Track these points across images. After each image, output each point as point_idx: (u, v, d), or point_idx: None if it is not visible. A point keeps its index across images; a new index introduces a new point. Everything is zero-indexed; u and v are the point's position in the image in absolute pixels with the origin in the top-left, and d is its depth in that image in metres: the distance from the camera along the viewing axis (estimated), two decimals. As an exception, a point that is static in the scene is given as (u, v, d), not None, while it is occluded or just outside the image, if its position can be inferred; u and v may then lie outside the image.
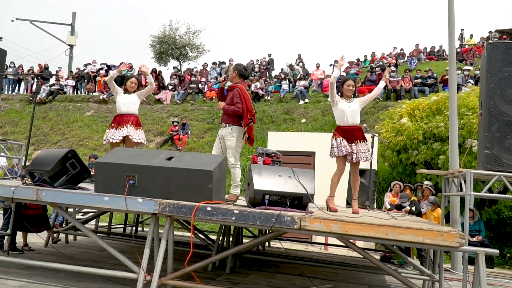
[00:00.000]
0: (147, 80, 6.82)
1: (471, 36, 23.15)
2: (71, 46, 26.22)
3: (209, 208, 3.90)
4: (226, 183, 4.92)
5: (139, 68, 7.12)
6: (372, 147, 6.71)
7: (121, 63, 7.22)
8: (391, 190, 9.38)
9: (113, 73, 6.80)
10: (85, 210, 7.56)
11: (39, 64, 21.83)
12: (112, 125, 6.65)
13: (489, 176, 4.63)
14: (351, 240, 4.37)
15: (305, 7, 71.08)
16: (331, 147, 5.45)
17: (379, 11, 65.97)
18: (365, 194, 8.06)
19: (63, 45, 26.23)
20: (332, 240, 8.61)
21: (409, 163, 9.89)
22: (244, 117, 5.14)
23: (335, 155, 5.37)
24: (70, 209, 6.93)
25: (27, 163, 6.66)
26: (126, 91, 6.82)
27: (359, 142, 5.36)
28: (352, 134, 5.38)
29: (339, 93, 5.61)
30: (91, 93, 20.04)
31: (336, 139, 5.41)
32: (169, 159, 4.36)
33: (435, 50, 22.95)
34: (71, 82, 20.87)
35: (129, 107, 6.68)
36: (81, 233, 7.05)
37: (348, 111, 5.40)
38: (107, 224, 8.62)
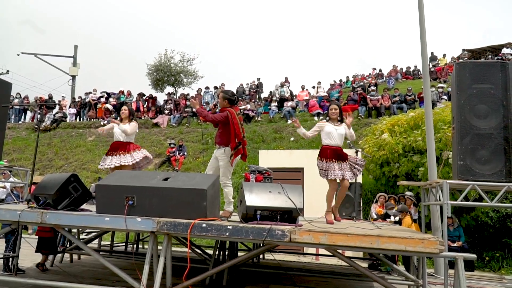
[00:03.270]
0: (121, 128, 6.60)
1: (444, 55, 23.55)
2: (74, 77, 26.23)
3: (204, 225, 3.88)
4: (220, 200, 4.90)
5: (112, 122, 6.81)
6: (356, 162, 6.75)
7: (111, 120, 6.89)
8: (376, 201, 9.38)
9: (106, 128, 6.74)
10: (88, 230, 7.47)
11: (41, 97, 21.83)
12: (109, 152, 6.57)
13: (463, 185, 4.67)
14: (340, 250, 4.36)
15: (290, 34, 72.09)
16: (321, 169, 5.46)
17: (359, 36, 67.09)
18: (351, 206, 8.06)
19: (66, 76, 26.26)
20: (323, 250, 8.56)
21: (392, 175, 9.93)
22: (232, 140, 5.14)
23: (327, 178, 5.40)
24: (74, 230, 6.84)
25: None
26: (121, 118, 6.79)
27: (345, 161, 5.44)
28: (340, 153, 5.46)
29: (327, 117, 5.72)
30: (92, 120, 19.99)
31: (324, 161, 5.42)
32: (166, 179, 4.35)
33: (411, 70, 23.30)
34: (74, 110, 20.82)
35: (117, 135, 6.63)
36: (84, 252, 6.95)
37: (335, 132, 5.52)
38: (109, 242, 8.51)
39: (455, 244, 8.34)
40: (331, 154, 5.44)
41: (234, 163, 5.17)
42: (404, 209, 8.10)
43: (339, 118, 5.67)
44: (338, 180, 5.50)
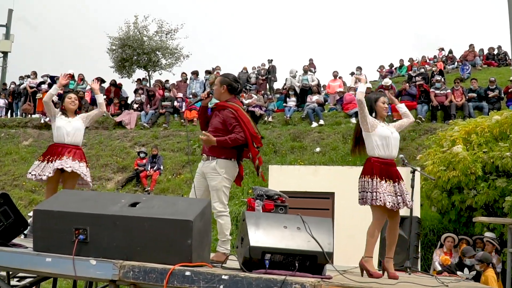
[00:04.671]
0: (97, 100, 6.93)
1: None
2: (5, 54, 26.44)
3: (188, 273, 3.89)
4: (212, 237, 4.92)
5: (90, 83, 7.22)
6: (412, 187, 6.75)
7: (61, 74, 7.31)
8: (441, 246, 9.33)
9: (52, 89, 6.86)
10: (21, 274, 7.51)
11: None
12: (48, 157, 6.65)
13: None
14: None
15: (319, -4, 72.29)
16: (363, 191, 5.48)
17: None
18: (404, 251, 8.02)
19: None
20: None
21: (465, 207, 9.87)
22: (250, 146, 5.17)
23: (371, 203, 5.39)
24: (3, 272, 6.88)
25: None
26: (64, 112, 6.87)
27: (400, 182, 5.45)
28: (394, 169, 5.46)
29: (372, 114, 5.69)
30: (29, 115, 20.12)
31: (372, 180, 5.43)
32: (133, 205, 4.38)
33: (495, 52, 23.26)
34: (3, 102, 20.97)
35: (74, 137, 6.74)
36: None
37: (392, 138, 5.52)
38: (48, 295, 8.54)
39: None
40: (381, 170, 5.48)
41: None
42: (486, 259, 8.02)
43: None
44: (393, 208, 5.50)
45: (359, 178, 5.57)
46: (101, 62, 59.18)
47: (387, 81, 17.63)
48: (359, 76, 5.89)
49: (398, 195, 5.44)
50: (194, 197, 5.34)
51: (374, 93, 6.38)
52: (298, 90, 18.71)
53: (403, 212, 7.76)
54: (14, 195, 14.55)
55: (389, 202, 5.33)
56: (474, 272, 8.37)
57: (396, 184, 5.47)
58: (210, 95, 5.55)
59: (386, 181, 5.42)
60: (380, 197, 5.32)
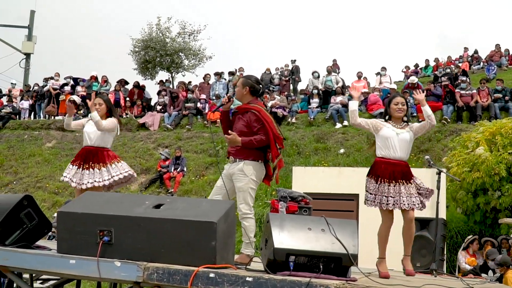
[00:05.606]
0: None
1: None
2: (28, 55, 26.70)
3: (212, 275, 3.90)
4: (236, 239, 4.92)
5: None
6: (438, 188, 6.69)
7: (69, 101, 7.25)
8: (466, 248, 9.26)
9: (66, 119, 6.95)
10: (44, 276, 7.58)
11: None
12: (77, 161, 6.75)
13: None
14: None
15: (342, -4, 71.95)
16: (367, 191, 5.60)
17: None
18: (430, 253, 7.97)
19: (17, 54, 26.65)
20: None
21: (489, 208, 9.79)
22: (272, 147, 5.16)
23: (372, 205, 5.52)
24: (26, 275, 6.95)
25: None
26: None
27: (404, 183, 5.43)
28: (402, 171, 5.43)
29: (387, 116, 5.68)
30: (52, 117, 20.31)
31: (373, 181, 5.52)
32: (157, 207, 4.40)
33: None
34: (27, 103, 21.21)
35: (96, 139, 6.82)
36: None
37: (396, 139, 5.48)
38: (73, 296, 8.61)
39: None
40: (386, 171, 5.50)
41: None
42: (505, 262, 7.95)
43: (405, 118, 5.68)
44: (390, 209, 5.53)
45: (366, 177, 5.68)
46: (124, 64, 59.67)
47: (413, 79, 17.51)
48: (352, 92, 5.87)
49: (399, 195, 5.43)
50: (216, 194, 5.36)
51: (391, 95, 6.43)
52: (321, 91, 18.64)
53: (429, 213, 7.73)
54: (37, 197, 14.71)
55: (387, 204, 5.41)
56: (498, 274, 8.29)
57: (402, 184, 5.46)
58: (231, 99, 5.55)
59: (390, 183, 5.45)
60: (382, 201, 5.43)
